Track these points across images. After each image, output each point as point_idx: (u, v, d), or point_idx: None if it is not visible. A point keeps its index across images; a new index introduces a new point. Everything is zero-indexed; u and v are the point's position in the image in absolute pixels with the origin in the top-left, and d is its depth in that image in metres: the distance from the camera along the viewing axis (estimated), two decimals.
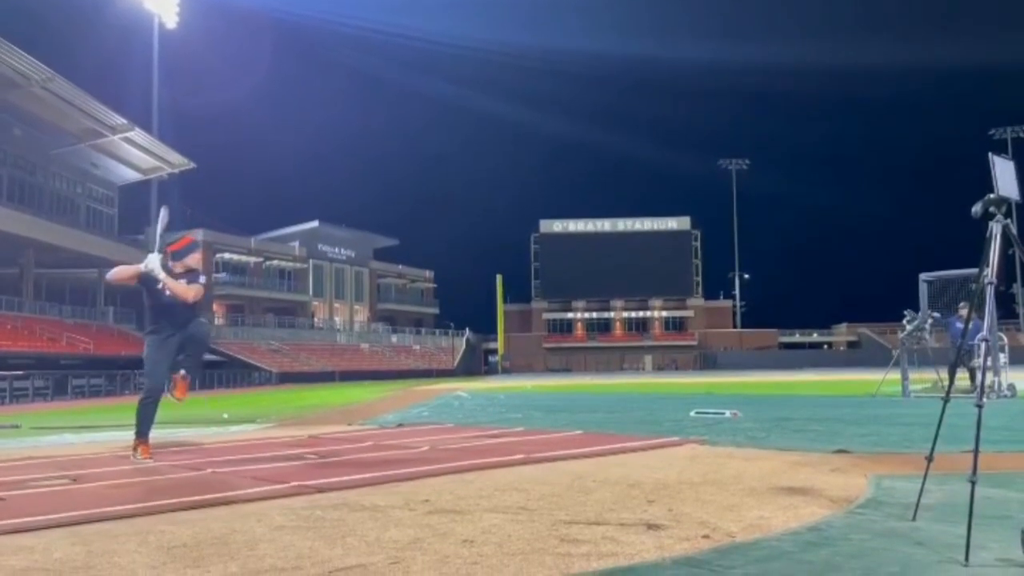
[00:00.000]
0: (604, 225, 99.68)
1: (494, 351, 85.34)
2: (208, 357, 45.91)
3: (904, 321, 15.38)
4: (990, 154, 3.58)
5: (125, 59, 65.43)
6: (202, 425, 10.90)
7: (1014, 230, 3.55)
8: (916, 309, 15.18)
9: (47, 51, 38.16)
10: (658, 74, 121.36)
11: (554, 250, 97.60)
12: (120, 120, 40.89)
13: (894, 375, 15.44)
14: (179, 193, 61.86)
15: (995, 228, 3.50)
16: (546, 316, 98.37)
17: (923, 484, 3.57)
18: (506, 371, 78.80)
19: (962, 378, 13.26)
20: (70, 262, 42.49)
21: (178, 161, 48.34)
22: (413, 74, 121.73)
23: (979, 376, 3.58)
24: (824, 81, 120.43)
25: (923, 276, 15.08)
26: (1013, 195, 3.58)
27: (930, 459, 3.60)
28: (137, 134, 42.93)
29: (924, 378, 15.32)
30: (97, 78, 53.54)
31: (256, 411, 14.51)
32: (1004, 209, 3.51)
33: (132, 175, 48.86)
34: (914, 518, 3.39)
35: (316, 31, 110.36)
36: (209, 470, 5.54)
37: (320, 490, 4.53)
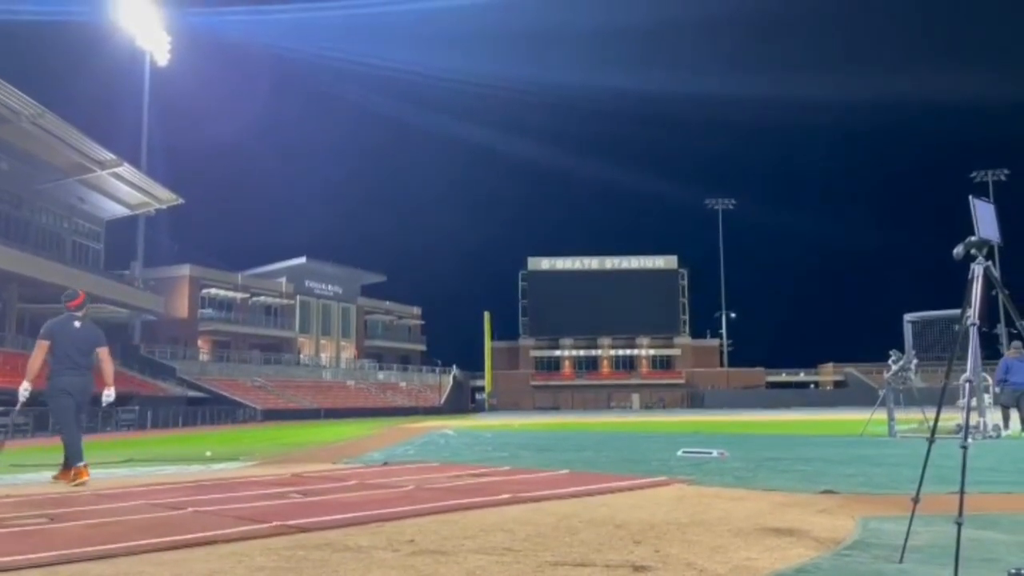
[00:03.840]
0: (592, 263, 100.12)
1: (481, 388, 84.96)
2: (192, 393, 45.56)
3: (890, 361, 15.46)
4: (971, 197, 3.64)
5: (116, 95, 65.74)
6: (184, 463, 10.76)
7: (996, 272, 3.60)
8: (901, 349, 15.26)
9: (38, 86, 38.25)
10: (648, 109, 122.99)
11: (542, 287, 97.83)
12: (109, 155, 40.91)
13: (880, 415, 15.46)
14: (167, 228, 61.94)
15: (977, 270, 3.54)
16: (534, 354, 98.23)
17: (910, 525, 3.56)
18: (493, 409, 78.36)
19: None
20: (55, 297, 41.96)
21: (166, 197, 48.32)
22: (403, 109, 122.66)
23: (964, 416, 3.59)
24: (813, 116, 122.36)
25: (907, 316, 15.19)
26: (994, 238, 3.63)
27: (916, 500, 3.59)
28: (125, 169, 42.94)
29: (910, 418, 15.35)
30: (87, 113, 53.81)
31: (240, 449, 14.34)
32: (985, 251, 3.56)
33: (119, 210, 48.77)
34: (901, 560, 3.38)
35: (307, 67, 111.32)
36: (190, 509, 5.45)
37: (303, 530, 4.46)
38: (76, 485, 7.31)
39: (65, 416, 7.85)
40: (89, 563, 3.57)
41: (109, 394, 8.20)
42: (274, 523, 4.67)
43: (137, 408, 35.72)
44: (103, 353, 8.07)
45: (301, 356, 69.59)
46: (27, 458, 12.47)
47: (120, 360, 46.79)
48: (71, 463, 7.68)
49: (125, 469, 9.91)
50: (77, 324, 7.95)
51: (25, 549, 3.86)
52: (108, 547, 3.90)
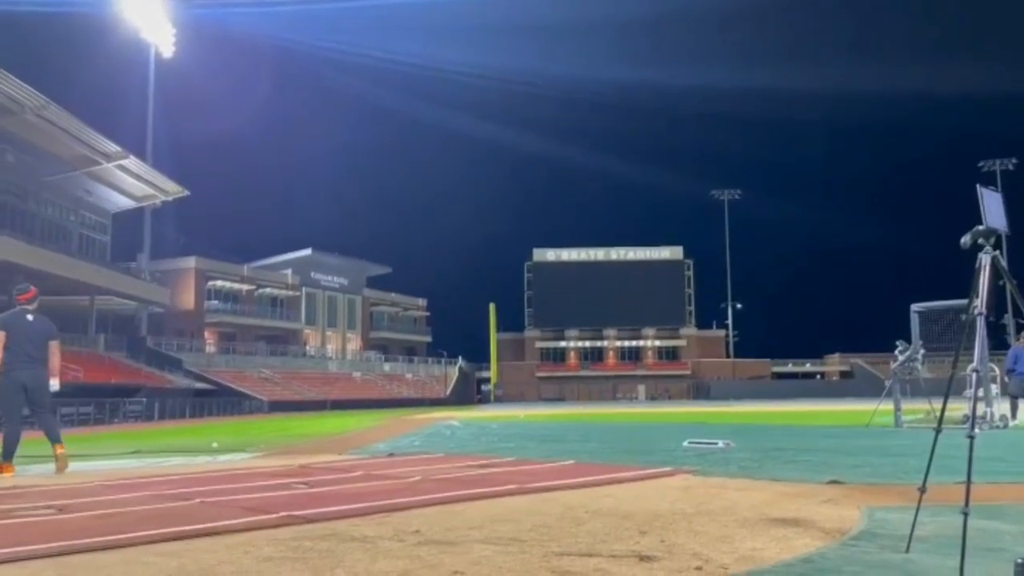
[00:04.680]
0: (597, 254, 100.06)
1: (487, 380, 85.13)
2: (199, 385, 45.74)
3: (896, 351, 15.42)
4: (978, 186, 3.62)
5: (121, 87, 65.90)
6: (191, 454, 10.81)
7: (1003, 262, 3.58)
8: (908, 339, 15.22)
9: (43, 78, 38.33)
10: (652, 102, 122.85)
11: (547, 279, 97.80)
12: (114, 148, 40.97)
13: (887, 405, 15.44)
14: (173, 220, 62.05)
15: (984, 259, 3.53)
16: (539, 345, 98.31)
17: (916, 515, 3.55)
18: (499, 400, 78.53)
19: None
20: (61, 289, 42.26)
21: (172, 189, 48.40)
22: (408, 101, 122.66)
23: (970, 406, 3.58)
24: (817, 108, 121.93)
25: (914, 307, 15.14)
26: (1001, 227, 3.61)
27: (923, 490, 3.58)
28: (131, 162, 43.01)
29: (917, 408, 15.33)
30: (93, 105, 53.80)
31: (246, 440, 14.40)
32: (992, 240, 3.54)
33: (126, 202, 48.87)
34: (907, 550, 3.37)
35: (312, 59, 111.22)
36: (197, 500, 5.48)
37: (309, 520, 4.48)
38: None
39: (13, 411, 8.05)
40: (98, 553, 3.59)
41: (54, 384, 8.41)
42: (281, 514, 4.68)
43: (144, 400, 35.88)
44: (54, 347, 8.26)
45: (307, 348, 69.80)
46: (35, 449, 12.55)
47: (127, 352, 47.03)
48: (6, 458, 7.83)
49: (133, 460, 9.96)
50: (30, 317, 8.11)
51: (35, 539, 3.88)
52: (116, 537, 3.92)
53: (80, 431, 23.22)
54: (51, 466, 8.51)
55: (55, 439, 8.01)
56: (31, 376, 7.95)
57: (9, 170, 39.43)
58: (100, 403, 31.95)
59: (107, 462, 9.69)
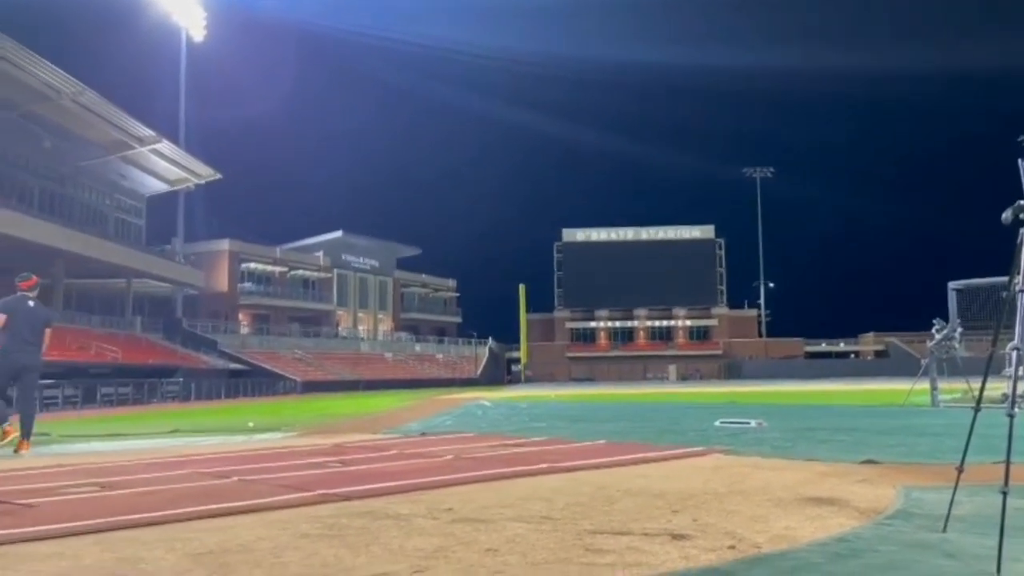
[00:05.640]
0: (627, 234, 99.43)
1: (517, 360, 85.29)
2: (233, 366, 46.42)
3: (933, 330, 15.19)
4: (1020, 160, 3.54)
5: (153, 71, 66.44)
6: (228, 433, 11.00)
7: None
8: (945, 318, 14.98)
9: (75, 63, 38.65)
10: (681, 80, 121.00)
11: (577, 259, 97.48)
12: (148, 132, 41.45)
13: (923, 385, 15.24)
14: (205, 204, 62.77)
15: None
16: (569, 325, 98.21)
17: (953, 495, 3.51)
18: (529, 380, 78.72)
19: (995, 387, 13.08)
20: (99, 272, 43.03)
21: (205, 172, 48.90)
22: (437, 84, 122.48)
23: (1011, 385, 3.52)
24: (850, 86, 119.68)
25: (952, 284, 14.90)
26: None
27: (961, 469, 3.54)
28: (164, 146, 43.49)
29: (954, 387, 15.11)
30: (125, 90, 54.33)
31: (281, 420, 14.61)
32: None
33: (159, 186, 49.49)
34: (944, 529, 3.34)
35: (340, 43, 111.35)
36: (235, 478, 5.58)
37: (345, 498, 4.54)
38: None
39: (2, 390, 8.28)
40: (140, 529, 3.68)
41: None
42: (317, 492, 4.76)
43: (181, 380, 36.50)
44: (48, 333, 8.49)
45: (339, 329, 70.39)
46: (79, 429, 12.85)
47: (163, 333, 47.83)
48: None
49: (171, 439, 10.16)
50: (31, 304, 8.34)
51: (81, 515, 3.99)
52: (158, 514, 4.01)
53: (119, 411, 23.72)
54: (95, 444, 8.71)
55: (27, 434, 8.14)
56: (30, 360, 8.22)
57: (47, 156, 40.09)
58: (138, 383, 32.58)
59: (147, 441, 9.89)
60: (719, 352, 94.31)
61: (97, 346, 36.29)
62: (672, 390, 36.93)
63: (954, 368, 15.06)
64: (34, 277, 8.57)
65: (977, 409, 3.57)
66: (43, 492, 4.94)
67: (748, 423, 10.11)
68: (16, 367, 8.10)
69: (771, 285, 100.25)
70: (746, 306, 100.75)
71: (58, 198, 42.57)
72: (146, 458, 7.34)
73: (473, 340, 77.35)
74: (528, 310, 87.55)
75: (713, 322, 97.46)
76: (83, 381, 29.39)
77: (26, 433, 8.11)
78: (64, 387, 27.30)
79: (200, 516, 3.99)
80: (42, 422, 14.33)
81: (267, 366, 49.55)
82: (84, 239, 39.57)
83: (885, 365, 79.73)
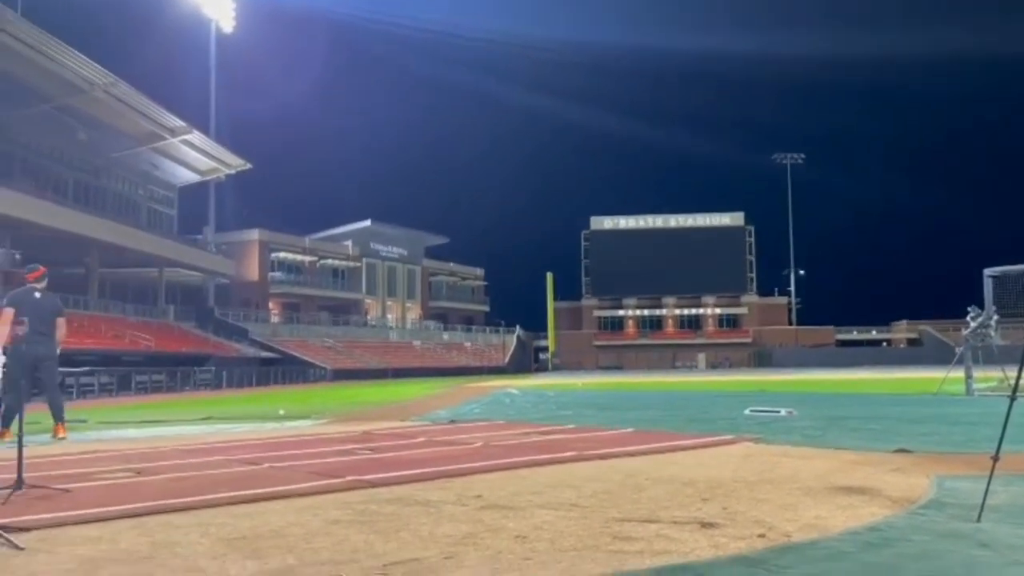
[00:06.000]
0: (655, 221, 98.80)
1: (545, 348, 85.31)
2: (264, 354, 46.95)
3: (968, 317, 14.94)
4: None
5: (183, 63, 67.05)
6: (259, 421, 11.14)
7: None
8: (981, 305, 14.72)
9: (107, 55, 39.16)
10: (710, 67, 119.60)
11: (604, 247, 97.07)
12: (179, 123, 41.92)
13: (957, 373, 15.01)
14: (236, 193, 63.32)
15: None
16: (597, 313, 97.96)
17: (988, 484, 3.46)
18: (556, 368, 78.73)
19: None
20: (132, 261, 43.70)
21: (235, 162, 49.37)
22: (465, 73, 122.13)
23: None
24: (882, 72, 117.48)
25: (988, 271, 14.62)
26: None
27: (996, 459, 3.49)
28: (195, 136, 43.97)
29: (989, 376, 14.86)
30: (155, 81, 54.82)
31: (311, 407, 14.76)
32: None
33: (190, 176, 50.09)
34: (979, 519, 3.30)
35: (369, 32, 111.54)
36: (266, 464, 5.65)
37: (375, 485, 4.59)
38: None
39: (17, 382, 8.29)
40: (174, 514, 3.75)
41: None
42: (347, 478, 4.81)
43: (213, 368, 36.99)
44: (61, 322, 8.52)
45: (368, 317, 70.85)
46: (114, 416, 13.09)
47: (195, 322, 48.46)
48: (5, 424, 8.10)
49: (204, 426, 10.31)
50: (38, 295, 8.37)
51: (116, 500, 4.07)
52: (191, 499, 4.08)
53: (153, 398, 24.11)
54: (130, 431, 8.87)
55: (59, 418, 8.28)
56: (45, 350, 8.27)
57: (82, 148, 40.72)
58: (171, 371, 33.09)
59: (180, 428, 10.05)
60: (749, 340, 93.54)
61: (131, 334, 36.89)
62: (701, 378, 36.74)
63: (989, 356, 14.81)
64: (41, 268, 8.62)
65: (1013, 398, 3.51)
66: (80, 477, 5.04)
67: (778, 411, 10.03)
68: (32, 358, 8.16)
69: (801, 273, 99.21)
70: (776, 294, 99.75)
71: (92, 189, 43.25)
72: (179, 445, 7.46)
73: (501, 328, 77.43)
74: (555, 298, 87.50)
75: (743, 310, 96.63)
76: (118, 369, 29.93)
77: (58, 417, 8.24)
78: (100, 375, 27.80)
79: (232, 502, 4.05)
80: (79, 409, 14.64)
81: (297, 354, 50.04)
82: (117, 229, 40.18)
83: (918, 353, 78.58)
